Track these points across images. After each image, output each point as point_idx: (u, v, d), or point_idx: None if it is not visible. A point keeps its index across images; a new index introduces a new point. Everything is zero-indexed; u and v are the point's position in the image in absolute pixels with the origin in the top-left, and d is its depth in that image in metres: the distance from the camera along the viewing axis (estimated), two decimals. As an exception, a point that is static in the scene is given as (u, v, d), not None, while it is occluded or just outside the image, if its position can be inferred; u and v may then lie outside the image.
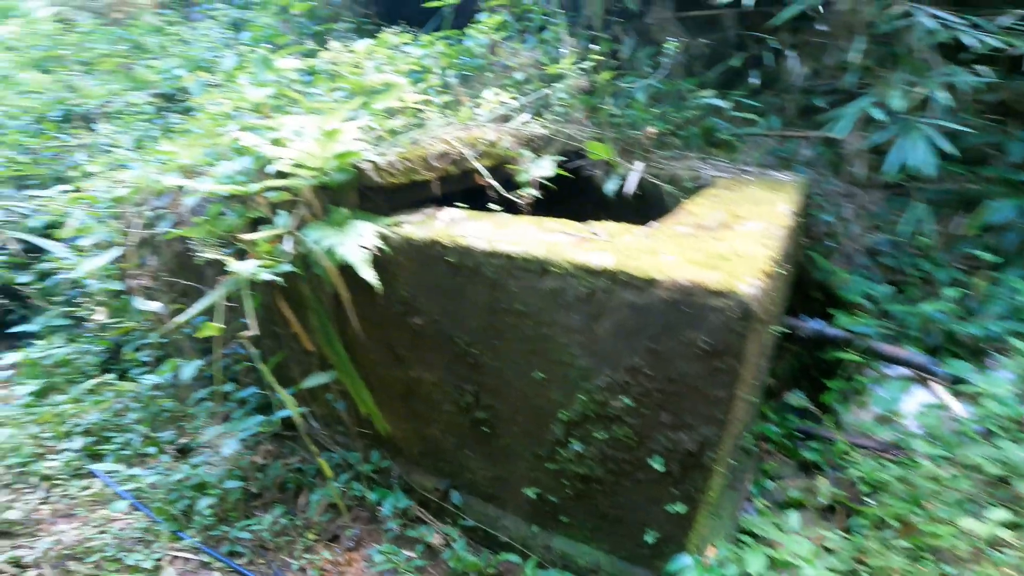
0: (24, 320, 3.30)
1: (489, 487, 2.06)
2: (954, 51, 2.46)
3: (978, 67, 2.39)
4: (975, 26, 2.33)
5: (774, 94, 3.23)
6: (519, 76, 3.03)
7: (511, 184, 2.15)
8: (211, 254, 1.71)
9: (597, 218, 2.05)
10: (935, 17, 2.35)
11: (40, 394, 2.97)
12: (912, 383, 2.40)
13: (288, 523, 2.27)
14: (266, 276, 1.61)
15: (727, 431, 1.48)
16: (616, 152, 2.52)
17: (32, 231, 2.85)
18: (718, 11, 3.16)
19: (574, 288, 1.52)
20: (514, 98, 2.55)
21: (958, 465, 2.02)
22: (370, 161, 1.76)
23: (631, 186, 2.39)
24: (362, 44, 2.68)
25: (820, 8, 2.72)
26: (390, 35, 2.93)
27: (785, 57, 3.06)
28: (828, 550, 1.94)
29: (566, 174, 2.27)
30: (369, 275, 1.58)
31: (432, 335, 1.88)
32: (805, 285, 2.65)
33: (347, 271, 1.67)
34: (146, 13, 6.34)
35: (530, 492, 1.91)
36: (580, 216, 2.27)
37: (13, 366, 3.10)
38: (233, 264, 1.56)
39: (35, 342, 3.20)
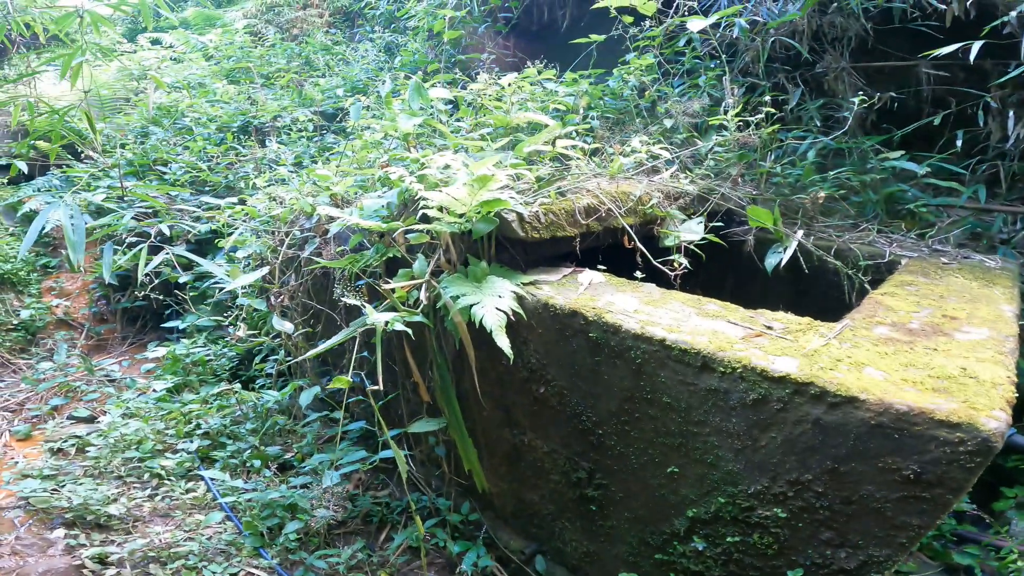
0: (176, 317, 3.59)
1: (580, 561, 1.88)
2: None
3: None
4: None
5: (981, 160, 2.74)
6: (667, 124, 2.83)
7: (653, 245, 1.94)
8: (350, 298, 1.67)
9: (744, 294, 1.80)
10: None
11: (175, 390, 3.18)
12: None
13: (365, 558, 2.20)
14: (399, 327, 1.54)
15: (903, 554, 1.23)
16: (779, 217, 2.22)
17: (199, 235, 3.09)
18: (911, 63, 2.76)
19: (741, 392, 1.28)
20: (665, 149, 2.35)
21: None
22: (516, 212, 1.64)
23: (787, 257, 2.08)
24: (508, 78, 2.63)
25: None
26: (533, 70, 2.86)
27: (1000, 117, 2.58)
28: None
29: (717, 241, 2.02)
30: (504, 344, 1.44)
31: (555, 407, 1.71)
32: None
33: (477, 329, 1.55)
34: (318, 31, 6.95)
35: None
36: (722, 287, 2.01)
37: (158, 359, 3.37)
38: (371, 314, 1.50)
39: (181, 340, 3.46)
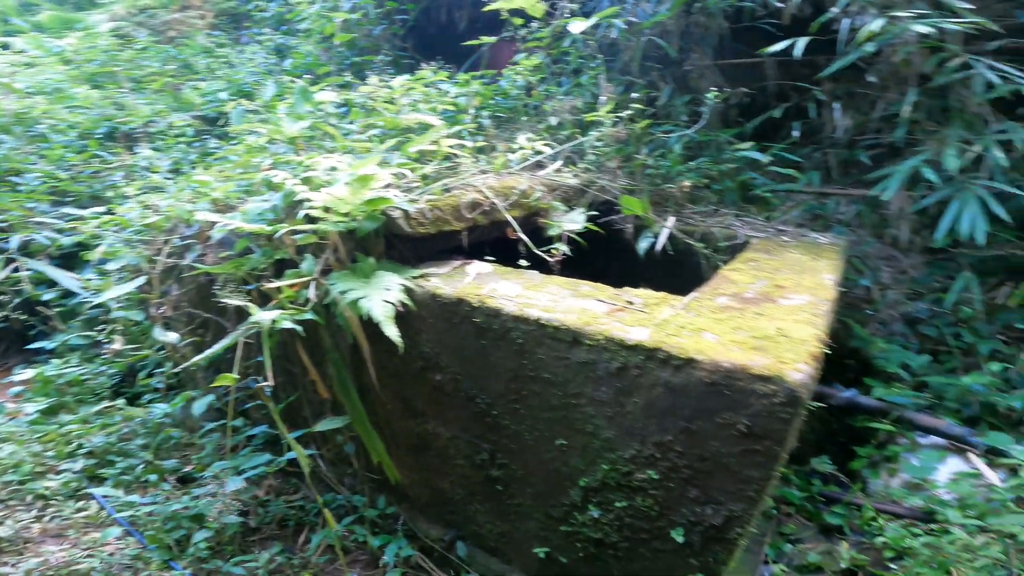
0: (43, 337, 3.29)
1: (497, 542, 1.99)
2: (1010, 106, 2.36)
3: None
4: None
5: (815, 148, 3.15)
6: (553, 121, 3.01)
7: (540, 236, 2.09)
8: (233, 298, 1.66)
9: (626, 276, 1.99)
10: (995, 69, 2.26)
11: (49, 412, 2.94)
12: (947, 453, 2.33)
13: (285, 561, 2.19)
14: (287, 325, 1.56)
15: (757, 507, 1.41)
16: (649, 206, 2.46)
17: (61, 249, 2.86)
18: (760, 59, 3.11)
19: (606, 362, 1.44)
20: (548, 145, 2.52)
21: (990, 532, 1.97)
22: (401, 209, 1.72)
23: (662, 243, 2.32)
24: (399, 80, 2.67)
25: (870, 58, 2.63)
26: (427, 71, 2.93)
27: (829, 109, 2.98)
28: None
29: (597, 229, 2.20)
30: (392, 333, 1.51)
31: (451, 393, 1.81)
32: (838, 351, 2.53)
33: (369, 323, 1.61)
34: (199, 34, 6.53)
35: (540, 551, 1.83)
36: (607, 273, 2.20)
37: (26, 382, 3.09)
38: (255, 313, 1.51)
39: (51, 360, 3.19)
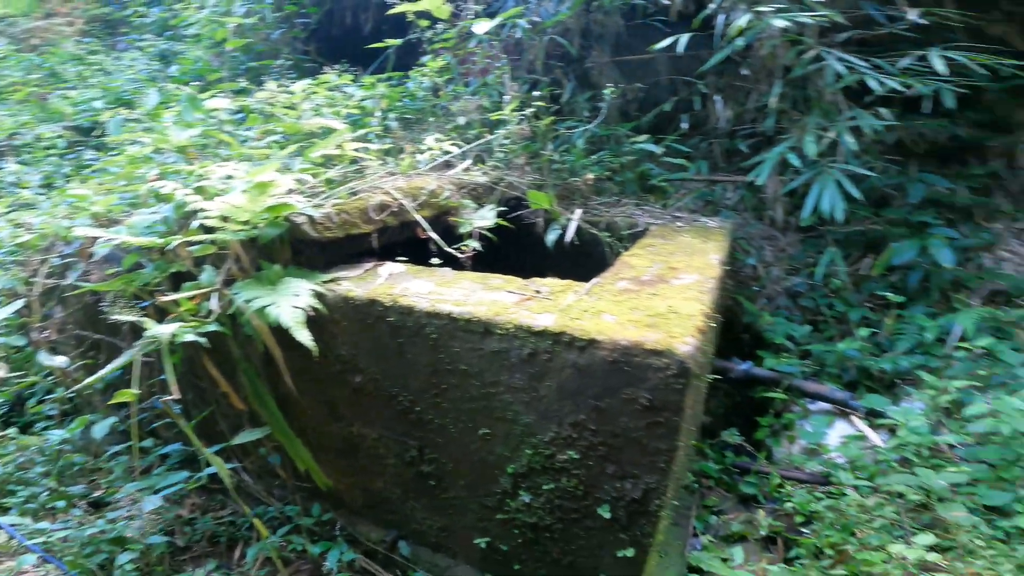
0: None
1: (438, 537, 2.01)
2: (857, 94, 2.66)
3: (879, 109, 2.58)
4: (877, 68, 2.51)
5: (702, 138, 3.41)
6: (461, 121, 3.06)
7: (452, 234, 2.14)
8: (124, 315, 1.58)
9: (539, 269, 2.08)
10: (843, 61, 2.53)
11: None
12: (834, 417, 2.55)
13: None
14: (189, 338, 1.51)
15: (670, 479, 1.51)
16: (556, 200, 2.57)
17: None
18: (652, 55, 3.32)
19: (518, 349, 1.51)
20: (456, 144, 2.57)
21: (881, 493, 2.14)
22: (305, 215, 1.70)
23: (570, 235, 2.44)
24: (300, 84, 2.62)
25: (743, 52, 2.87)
26: (331, 75, 2.88)
27: (712, 101, 3.24)
28: None
29: (507, 224, 2.28)
30: (304, 337, 1.51)
31: (373, 393, 1.81)
32: (733, 327, 2.78)
33: (281, 330, 1.59)
34: (66, 41, 5.96)
35: (480, 542, 1.87)
36: (522, 266, 2.29)
37: None
38: (151, 328, 1.45)
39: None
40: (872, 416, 2.46)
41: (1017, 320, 2.50)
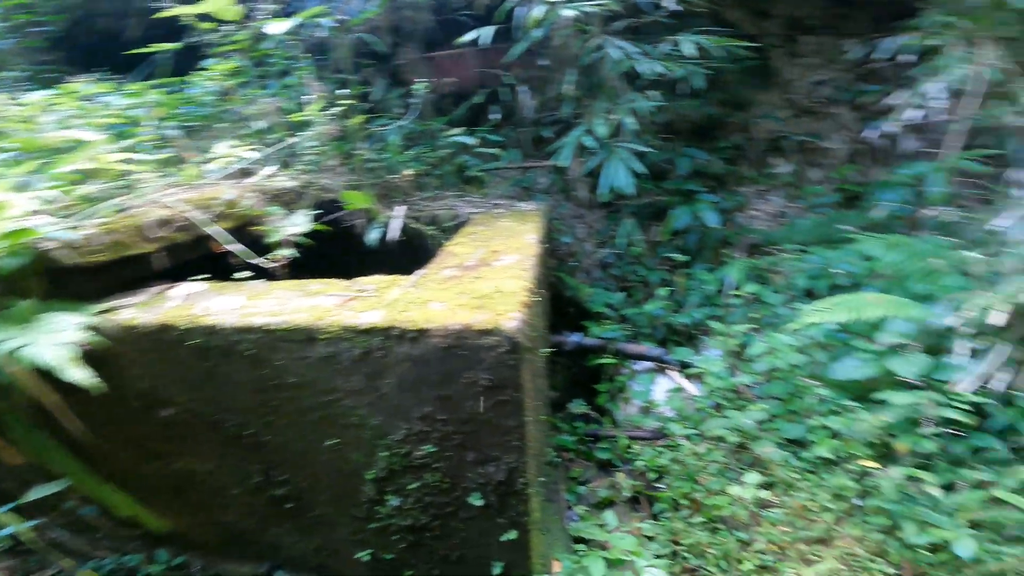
0: None
1: (316, 558, 1.87)
2: (634, 79, 3.00)
3: (650, 92, 2.94)
4: (646, 54, 2.85)
5: (513, 128, 3.59)
6: (260, 125, 2.81)
7: (262, 245, 1.96)
8: None
9: (367, 269, 2.01)
10: (620, 48, 2.82)
11: None
12: (656, 374, 2.84)
13: None
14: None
15: (529, 455, 1.56)
16: (376, 198, 2.51)
17: None
18: (462, 50, 3.39)
19: (348, 351, 1.45)
20: (254, 150, 2.35)
21: (707, 439, 2.38)
22: (55, 239, 1.42)
23: (395, 232, 2.40)
24: (38, 95, 2.17)
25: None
26: (80, 84, 2.43)
27: (518, 92, 3.42)
28: (649, 538, 2.16)
29: (325, 228, 2.16)
30: (78, 376, 1.26)
31: (190, 424, 1.61)
32: (560, 302, 2.98)
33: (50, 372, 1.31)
34: None
35: (363, 555, 1.78)
36: (348, 269, 2.19)
37: None
38: None
39: None
40: (684, 368, 2.77)
41: (770, 266, 3.06)
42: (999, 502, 1.97)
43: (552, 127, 3.45)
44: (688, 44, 2.80)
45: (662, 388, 2.78)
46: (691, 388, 2.71)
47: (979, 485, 2.03)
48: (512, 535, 1.65)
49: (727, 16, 3.23)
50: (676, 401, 2.65)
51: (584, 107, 3.00)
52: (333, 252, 2.29)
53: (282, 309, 1.49)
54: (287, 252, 1.91)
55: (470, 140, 3.17)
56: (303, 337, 1.44)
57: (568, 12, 2.67)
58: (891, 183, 2.92)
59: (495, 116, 3.47)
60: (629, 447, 2.56)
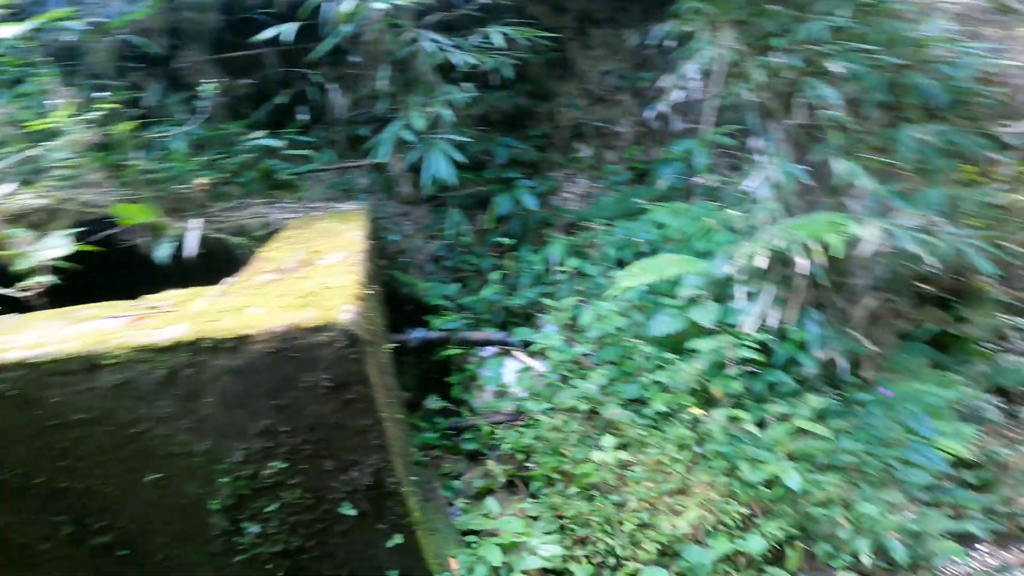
0: None
1: None
2: (448, 71, 3.02)
3: (464, 84, 3.00)
4: (458, 47, 2.89)
5: (324, 128, 3.39)
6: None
7: (9, 276, 1.57)
8: None
9: (159, 288, 1.73)
10: (434, 41, 2.83)
11: None
12: (502, 357, 2.91)
13: None
14: None
15: (393, 454, 1.51)
16: (162, 212, 2.17)
17: None
18: (259, 50, 3.10)
19: (147, 374, 1.23)
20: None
21: (560, 411, 2.48)
22: None
23: (192, 247, 2.10)
24: None
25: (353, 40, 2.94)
26: None
27: (328, 91, 3.24)
28: (533, 518, 2.18)
29: (95, 249, 1.81)
30: None
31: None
32: (397, 301, 2.90)
33: None
34: None
35: None
36: (134, 290, 1.88)
37: None
38: None
39: None
40: (526, 347, 2.88)
41: (585, 241, 3.35)
42: (803, 432, 2.36)
43: (368, 125, 3.34)
44: (498, 35, 2.92)
45: (511, 370, 2.86)
46: (537, 365, 2.83)
47: (783, 418, 2.38)
48: (399, 539, 1.60)
49: (530, 10, 3.45)
50: (526, 380, 2.75)
51: (400, 102, 2.96)
52: (117, 274, 1.92)
53: (47, 340, 1.22)
54: (44, 279, 1.56)
55: (276, 143, 2.92)
56: (81, 366, 1.20)
57: (380, 6, 2.61)
58: (668, 159, 3.38)
59: (303, 117, 3.25)
60: (492, 433, 2.59)
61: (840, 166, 2.60)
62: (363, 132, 3.29)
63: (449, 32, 3.00)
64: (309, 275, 1.62)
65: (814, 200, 2.71)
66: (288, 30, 2.70)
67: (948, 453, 2.41)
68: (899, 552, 2.19)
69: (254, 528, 1.50)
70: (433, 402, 2.78)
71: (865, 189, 2.56)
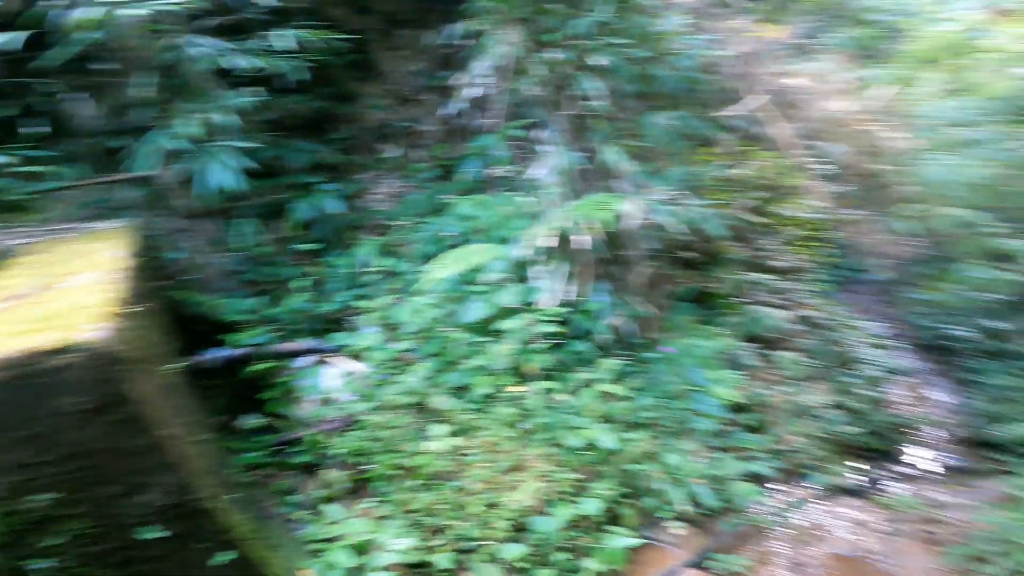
0: None
1: None
2: (229, 77, 2.81)
3: (251, 88, 2.82)
4: (237, 51, 2.69)
5: (73, 140, 2.89)
6: None
7: None
8: None
9: None
10: (210, 46, 2.61)
11: None
12: (319, 365, 2.82)
13: None
14: None
15: (190, 472, 1.43)
16: None
17: None
18: None
19: None
20: None
21: (389, 409, 2.49)
22: None
23: None
24: None
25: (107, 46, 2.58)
26: None
27: (68, 101, 2.78)
28: (383, 517, 2.17)
29: None
30: None
31: None
32: (186, 323, 2.62)
33: None
34: None
35: None
36: None
37: None
38: None
39: None
40: (340, 351, 2.82)
41: (396, 240, 3.37)
42: (609, 395, 2.64)
43: (128, 135, 2.93)
44: (281, 39, 2.79)
45: (331, 377, 2.79)
46: (359, 368, 2.80)
47: (588, 384, 2.65)
48: (232, 555, 1.53)
49: (328, 13, 3.32)
50: (352, 384, 2.72)
51: (167, 110, 2.66)
52: None
53: None
54: None
55: (4, 159, 2.42)
56: None
57: (134, 12, 2.34)
58: (469, 154, 3.56)
59: (38, 130, 2.74)
60: (323, 443, 2.53)
61: (606, 151, 3.00)
62: (120, 143, 2.89)
63: (233, 36, 2.80)
64: (51, 299, 1.42)
65: (591, 183, 3.08)
66: (15, 39, 2.34)
67: (723, 399, 2.91)
68: (708, 497, 2.56)
69: (43, 564, 1.36)
70: (250, 421, 2.61)
71: (627, 171, 2.98)
